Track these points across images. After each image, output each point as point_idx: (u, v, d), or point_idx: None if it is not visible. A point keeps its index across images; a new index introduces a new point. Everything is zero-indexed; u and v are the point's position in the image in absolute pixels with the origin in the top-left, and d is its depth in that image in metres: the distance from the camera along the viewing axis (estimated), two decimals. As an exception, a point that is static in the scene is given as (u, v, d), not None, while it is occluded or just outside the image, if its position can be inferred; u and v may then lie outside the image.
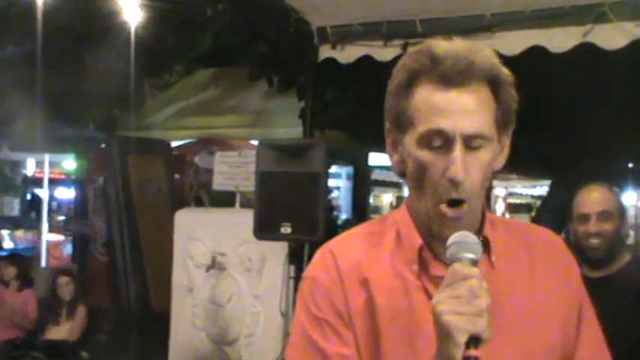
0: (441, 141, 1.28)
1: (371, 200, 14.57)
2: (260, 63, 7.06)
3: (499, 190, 17.26)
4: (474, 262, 1.23)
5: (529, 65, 5.89)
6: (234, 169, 5.42)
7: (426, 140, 1.29)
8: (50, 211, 15.54)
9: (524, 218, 16.71)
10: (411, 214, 1.39)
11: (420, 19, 4.57)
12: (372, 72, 6.37)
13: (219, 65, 9.84)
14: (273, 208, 4.56)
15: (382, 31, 4.73)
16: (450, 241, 1.25)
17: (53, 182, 14.97)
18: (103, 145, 8.78)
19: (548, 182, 12.18)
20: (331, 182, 11.08)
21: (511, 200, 19.38)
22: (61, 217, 15.22)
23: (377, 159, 10.91)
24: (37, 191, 13.27)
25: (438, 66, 1.29)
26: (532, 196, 18.94)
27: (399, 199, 18.01)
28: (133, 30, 6.36)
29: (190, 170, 9.72)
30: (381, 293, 1.34)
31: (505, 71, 1.33)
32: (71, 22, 7.20)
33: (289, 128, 7.44)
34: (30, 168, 14.05)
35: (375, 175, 13.70)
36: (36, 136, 8.70)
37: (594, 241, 2.84)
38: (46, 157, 10.48)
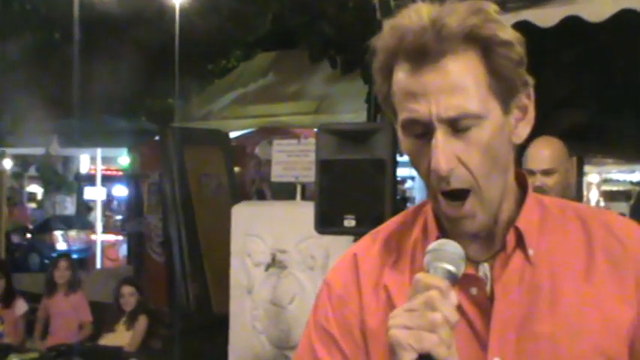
0: (421, 129, 1.17)
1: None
2: (322, 44, 7.01)
3: (593, 177, 16.82)
4: (451, 275, 1.14)
5: (616, 34, 5.71)
6: (294, 159, 5.37)
7: (408, 129, 1.19)
8: (107, 209, 15.88)
9: (621, 207, 16.24)
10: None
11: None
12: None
13: (279, 48, 9.85)
14: (336, 200, 4.48)
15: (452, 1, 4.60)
16: (428, 247, 1.18)
17: (109, 179, 15.28)
18: (157, 138, 8.87)
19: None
20: (404, 171, 10.96)
21: (606, 187, 18.87)
22: (119, 217, 15.51)
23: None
24: (91, 189, 13.53)
25: (404, 42, 1.16)
26: (631, 182, 18.39)
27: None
28: (177, 11, 6.38)
29: (251, 162, 9.77)
30: (400, 301, 1.22)
31: (493, 28, 1.16)
32: (118, 5, 7.28)
33: (356, 114, 7.37)
34: (84, 165, 14.38)
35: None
36: (86, 131, 8.85)
37: None
38: (99, 153, 10.65)
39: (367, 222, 4.42)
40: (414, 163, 1.22)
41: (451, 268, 1.15)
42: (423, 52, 1.15)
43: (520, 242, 1.23)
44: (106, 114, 8.98)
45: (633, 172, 17.35)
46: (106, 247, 11.18)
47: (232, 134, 9.52)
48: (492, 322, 1.21)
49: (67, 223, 12.79)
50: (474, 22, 1.15)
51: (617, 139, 9.58)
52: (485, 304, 1.22)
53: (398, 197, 10.77)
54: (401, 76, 1.18)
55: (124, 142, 9.62)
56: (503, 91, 1.18)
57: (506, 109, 1.20)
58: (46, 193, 14.54)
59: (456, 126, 1.16)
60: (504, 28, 1.17)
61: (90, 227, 12.45)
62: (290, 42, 9.09)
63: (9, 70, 8.63)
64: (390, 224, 1.37)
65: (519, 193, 1.30)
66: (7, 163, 10.03)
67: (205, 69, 10.57)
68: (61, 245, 12.11)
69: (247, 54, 10.34)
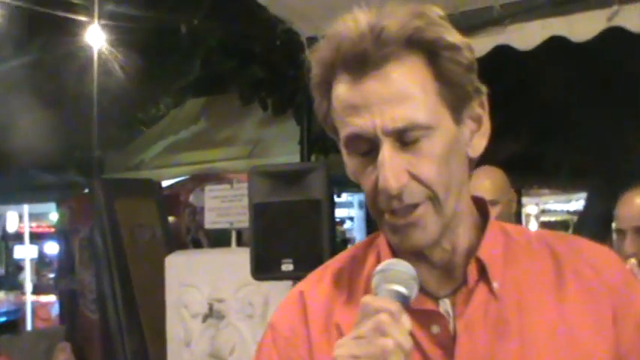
0: (366, 145, 1.10)
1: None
2: (252, 86, 6.94)
3: (530, 208, 17.02)
4: (402, 297, 1.05)
5: (547, 61, 5.76)
6: (228, 204, 5.25)
7: (351, 147, 1.12)
8: (41, 268, 15.44)
9: (561, 237, 16.46)
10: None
11: (423, 17, 4.41)
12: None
13: (210, 93, 9.76)
14: (272, 244, 4.39)
15: (381, 36, 4.57)
16: (376, 269, 1.09)
17: (40, 237, 14.86)
18: (86, 191, 8.65)
19: (585, 194, 11.96)
20: (343, 212, 10.92)
21: (545, 218, 19.12)
22: (52, 275, 15.10)
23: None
24: (21, 248, 13.15)
25: (341, 51, 1.10)
26: (568, 212, 18.66)
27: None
28: (96, 57, 6.24)
29: (186, 211, 9.59)
30: None
31: (438, 31, 1.10)
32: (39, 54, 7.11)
33: (290, 156, 7.30)
34: (12, 222, 13.95)
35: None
36: (10, 186, 8.58)
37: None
38: (25, 209, 10.35)
39: (305, 265, 4.31)
40: (361, 184, 1.14)
41: (402, 289, 1.06)
42: (362, 61, 1.08)
43: (483, 274, 1.15)
44: (32, 168, 8.71)
45: (569, 201, 17.64)
46: (37, 307, 10.82)
47: (165, 183, 9.36)
48: None
49: (-7, 284, 12.42)
50: (416, 25, 1.08)
51: (551, 169, 9.71)
52: (448, 344, 1.13)
53: (337, 239, 10.71)
54: (341, 89, 1.11)
55: (53, 196, 9.37)
56: (454, 98, 1.11)
57: (457, 118, 1.13)
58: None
59: (404, 138, 1.08)
60: (450, 31, 1.11)
61: (19, 287, 12.05)
62: (220, 86, 9.02)
63: None
64: (340, 259, 1.28)
65: (479, 220, 1.22)
66: None
67: (135, 117, 10.39)
68: (-13, 309, 11.72)
69: (177, 101, 10.22)
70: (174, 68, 9.06)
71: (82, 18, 4.56)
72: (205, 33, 6.53)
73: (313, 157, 7.87)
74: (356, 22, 1.10)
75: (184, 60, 8.58)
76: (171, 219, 9.10)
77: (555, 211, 19.60)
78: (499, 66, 5.85)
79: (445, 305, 1.15)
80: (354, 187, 7.93)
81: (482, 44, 4.28)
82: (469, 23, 4.28)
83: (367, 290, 1.17)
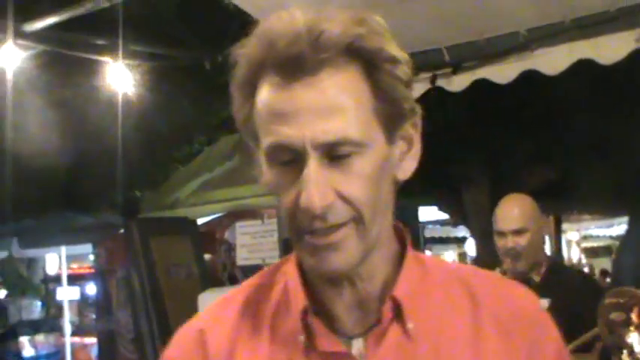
0: (289, 155, 1.00)
1: (430, 260, 14.29)
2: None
3: (572, 235, 16.75)
4: None
5: (577, 85, 5.67)
6: (259, 240, 5.24)
7: (273, 156, 1.02)
8: (83, 309, 15.55)
9: (604, 262, 16.15)
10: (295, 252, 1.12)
11: (447, 46, 4.37)
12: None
13: (242, 130, 9.80)
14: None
15: (406, 66, 4.54)
16: None
17: (81, 278, 14.96)
18: (122, 231, 8.69)
19: (626, 218, 11.74)
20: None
21: (586, 244, 18.81)
22: (93, 316, 15.20)
23: (429, 213, 10.64)
24: (61, 289, 13.26)
25: (273, 50, 0.99)
26: (610, 237, 18.34)
27: (462, 256, 17.60)
28: (120, 97, 6.28)
29: (222, 247, 9.59)
30: None
31: (379, 41, 1.02)
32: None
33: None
34: (51, 264, 14.09)
35: (431, 232, 13.43)
36: (48, 229, 8.66)
37: None
38: (63, 252, 10.44)
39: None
40: (279, 198, 1.04)
41: None
42: (296, 63, 0.98)
43: (398, 313, 1.06)
44: (68, 210, 8.79)
45: (611, 226, 17.32)
46: (77, 348, 10.85)
47: (201, 220, 9.37)
48: None
49: (34, 327, 12.42)
50: (357, 32, 1.00)
51: (589, 194, 9.55)
52: None
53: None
54: (268, 91, 1.01)
55: (90, 237, 9.43)
56: (389, 116, 1.03)
57: (390, 138, 1.05)
58: (11, 298, 14.22)
59: (333, 153, 0.99)
60: (391, 43, 1.04)
61: (59, 329, 12.12)
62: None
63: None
64: (244, 289, 1.18)
65: (397, 250, 1.13)
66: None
67: (170, 156, 10.48)
68: (28, 351, 11.74)
69: (211, 138, 10.28)
70: (208, 106, 9.13)
71: (107, 59, 4.61)
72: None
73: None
74: (293, 20, 1.00)
75: (217, 97, 8.63)
76: (207, 256, 9.10)
77: (597, 236, 19.28)
78: (528, 92, 5.79)
79: (358, 345, 1.07)
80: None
81: (509, 70, 4.23)
82: (495, 49, 4.24)
83: (273, 323, 1.11)
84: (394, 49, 1.04)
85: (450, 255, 18.14)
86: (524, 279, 3.16)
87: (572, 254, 16.56)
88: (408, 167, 1.10)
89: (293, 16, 1.00)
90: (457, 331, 1.08)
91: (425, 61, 4.50)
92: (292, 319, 1.09)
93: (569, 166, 8.40)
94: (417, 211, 10.30)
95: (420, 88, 4.55)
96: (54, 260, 14.14)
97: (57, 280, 13.74)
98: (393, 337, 1.06)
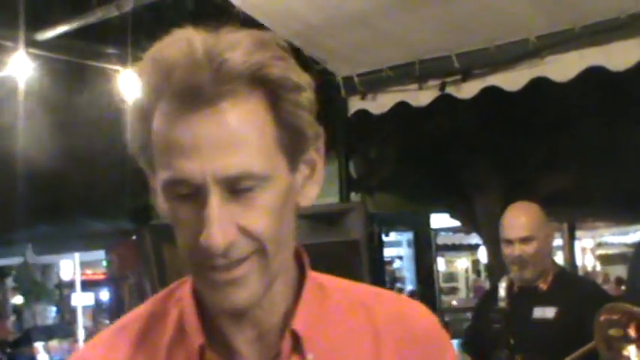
0: (189, 189, 0.94)
1: (443, 267, 14.23)
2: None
3: (586, 242, 16.65)
4: None
5: (590, 93, 5.65)
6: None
7: (170, 189, 0.95)
8: (98, 315, 15.61)
9: (619, 270, 16.04)
10: (193, 283, 1.05)
11: (457, 53, 4.36)
12: (412, 121, 6.23)
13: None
14: (312, 286, 4.33)
15: (415, 73, 4.54)
16: None
17: (96, 284, 15.01)
18: (134, 237, 8.71)
19: (640, 226, 11.67)
20: (392, 251, 10.81)
21: (601, 251, 18.68)
22: (107, 321, 15.25)
23: (441, 221, 10.61)
24: (76, 295, 13.31)
25: (171, 79, 0.93)
26: (625, 245, 18.22)
27: (476, 262, 17.53)
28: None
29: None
30: None
31: (283, 67, 0.95)
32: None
33: (336, 197, 7.26)
34: (66, 270, 14.15)
35: (444, 239, 13.38)
36: (62, 235, 8.69)
37: None
38: (76, 258, 10.46)
39: (346, 307, 4.26)
40: (176, 230, 0.98)
41: None
42: (195, 94, 0.92)
43: (298, 345, 1.03)
44: (82, 217, 8.82)
45: (627, 234, 17.20)
46: (90, 355, 10.86)
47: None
48: None
49: (48, 333, 12.45)
50: (260, 60, 0.94)
51: (604, 202, 9.51)
52: None
53: (387, 278, 10.60)
54: (165, 121, 0.95)
55: (103, 244, 9.45)
56: (293, 145, 0.98)
57: (293, 166, 1.00)
58: (26, 304, 14.30)
59: (235, 187, 0.94)
60: (294, 68, 0.97)
61: (73, 335, 12.15)
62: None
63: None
64: (137, 316, 1.11)
65: (297, 276, 1.08)
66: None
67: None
68: (42, 357, 11.75)
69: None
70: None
71: (118, 67, 4.63)
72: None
73: (358, 197, 7.84)
74: (191, 47, 0.93)
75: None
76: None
77: (612, 244, 19.15)
78: (539, 99, 5.76)
79: None
80: (402, 225, 7.84)
81: (519, 77, 4.22)
82: (505, 56, 4.22)
83: (169, 357, 1.05)
84: (298, 75, 0.98)
85: (462, 262, 18.05)
86: (531, 287, 3.14)
87: (587, 261, 16.46)
88: (310, 193, 1.05)
89: (191, 42, 0.94)
90: (358, 357, 1.06)
91: (434, 68, 4.50)
92: (189, 354, 1.04)
93: (583, 174, 8.37)
94: (429, 217, 10.29)
95: (429, 95, 4.55)
96: (68, 266, 14.18)
97: (71, 285, 13.79)
98: None
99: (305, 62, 4.88)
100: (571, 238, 13.26)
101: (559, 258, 14.75)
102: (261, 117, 0.95)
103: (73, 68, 5.84)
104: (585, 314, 2.99)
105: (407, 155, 7.21)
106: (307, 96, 0.98)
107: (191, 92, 0.92)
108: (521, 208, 3.26)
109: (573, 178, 8.31)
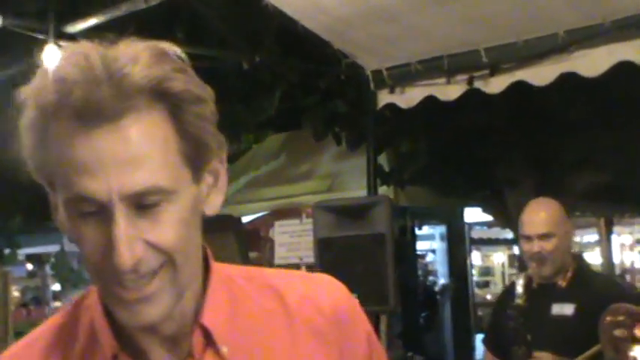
0: (93, 207, 0.93)
1: (479, 261, 14.17)
2: (324, 120, 6.95)
3: (625, 238, 16.42)
4: None
5: (626, 87, 5.59)
6: (297, 239, 5.28)
7: (73, 207, 0.94)
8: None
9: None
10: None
11: (485, 47, 4.36)
12: (443, 115, 6.22)
13: (289, 128, 9.86)
14: (337, 278, 4.35)
15: (444, 67, 4.55)
16: None
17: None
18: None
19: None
20: (425, 245, 10.80)
21: (640, 248, 18.40)
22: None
23: (476, 215, 10.57)
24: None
25: (70, 98, 0.91)
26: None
27: (512, 257, 17.42)
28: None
29: (267, 245, 9.64)
30: None
31: (184, 80, 0.96)
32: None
33: (364, 190, 7.30)
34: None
35: (480, 233, 13.32)
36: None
37: None
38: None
39: (371, 299, 4.26)
40: (80, 247, 0.97)
41: None
42: (96, 112, 0.91)
43: (210, 340, 1.04)
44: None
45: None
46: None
47: (246, 218, 9.44)
48: None
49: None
50: (161, 74, 0.94)
51: (640, 196, 9.38)
52: None
53: (420, 271, 10.60)
54: (65, 139, 0.93)
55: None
56: (197, 156, 0.99)
57: (198, 177, 1.00)
58: (63, 291, 14.48)
59: (141, 202, 0.94)
60: (194, 80, 0.98)
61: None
62: (298, 121, 9.11)
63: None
64: (47, 328, 1.11)
65: (203, 272, 1.09)
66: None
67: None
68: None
69: (258, 136, 10.33)
70: (256, 104, 9.19)
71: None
72: (276, 69, 6.58)
73: (390, 190, 7.84)
74: (89, 63, 0.91)
75: (264, 96, 8.68)
76: (253, 254, 9.16)
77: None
78: (572, 93, 5.72)
79: None
80: (435, 219, 7.81)
81: (548, 72, 4.20)
82: (533, 51, 4.21)
83: None
84: (199, 87, 0.99)
85: (499, 257, 17.94)
86: (550, 284, 3.14)
87: (625, 258, 16.26)
88: (215, 201, 1.06)
89: (88, 57, 0.92)
90: (274, 343, 1.08)
91: (462, 63, 4.50)
92: None
93: (621, 169, 8.27)
94: (462, 211, 10.25)
95: (457, 89, 4.56)
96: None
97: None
98: None
99: (334, 56, 4.91)
100: (608, 234, 13.09)
101: (596, 254, 14.61)
102: (164, 131, 0.95)
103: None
104: (601, 312, 2.99)
105: (439, 149, 7.20)
106: (209, 108, 0.99)
107: (91, 109, 0.91)
108: (541, 205, 3.26)
109: (610, 174, 8.21)
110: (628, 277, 14.55)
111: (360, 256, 4.33)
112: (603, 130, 7.11)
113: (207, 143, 0.99)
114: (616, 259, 14.84)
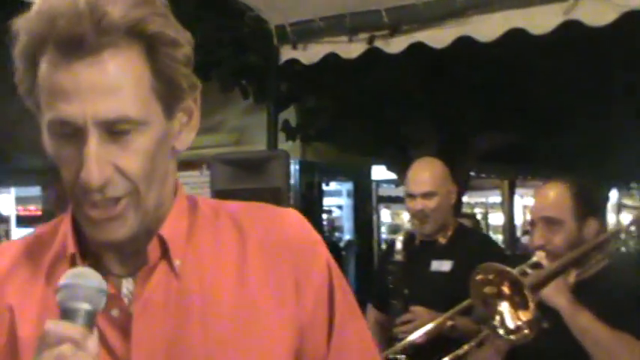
0: (70, 129, 1.05)
1: (389, 219, 14.38)
2: (233, 73, 6.92)
3: (528, 200, 16.92)
4: (89, 315, 1.01)
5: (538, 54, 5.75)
6: (197, 191, 5.28)
7: (54, 130, 1.07)
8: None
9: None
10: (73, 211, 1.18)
11: (386, 8, 4.42)
12: (350, 73, 6.29)
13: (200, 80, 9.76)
14: (233, 231, 4.43)
15: (346, 25, 4.59)
16: (61, 281, 1.04)
17: (31, 220, 14.89)
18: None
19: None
20: (331, 200, 10.92)
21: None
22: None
23: (384, 173, 10.72)
24: (17, 230, 13.22)
25: (55, 28, 1.03)
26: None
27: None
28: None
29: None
30: (26, 323, 1.14)
31: (160, 23, 1.07)
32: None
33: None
34: (6, 205, 13.97)
35: (388, 191, 13.50)
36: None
37: None
38: (12, 192, 10.40)
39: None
40: (60, 168, 1.10)
41: (89, 307, 1.01)
42: (78, 44, 1.03)
43: (166, 253, 1.13)
44: (16, 152, 8.76)
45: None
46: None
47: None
48: (132, 345, 1.10)
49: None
50: (139, 15, 1.05)
51: (545, 161, 9.69)
52: (127, 326, 1.11)
53: (326, 227, 10.73)
54: (49, 67, 1.05)
55: (39, 180, 9.42)
56: (168, 94, 1.10)
57: (169, 114, 1.11)
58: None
59: (113, 129, 1.05)
60: (172, 24, 1.09)
61: None
62: (206, 74, 9.01)
63: None
64: (25, 239, 1.25)
65: (174, 200, 1.20)
66: None
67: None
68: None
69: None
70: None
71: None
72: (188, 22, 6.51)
73: (298, 145, 7.90)
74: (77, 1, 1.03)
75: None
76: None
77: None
78: (479, 58, 5.86)
79: (128, 285, 1.15)
80: (342, 175, 7.89)
81: (445, 35, 4.29)
82: (431, 14, 4.29)
83: (51, 271, 1.16)
84: (175, 31, 1.09)
85: (407, 215, 18.24)
86: (432, 241, 3.27)
87: (527, 219, 16.77)
88: (186, 138, 1.17)
89: None
90: (225, 264, 1.16)
91: (364, 22, 4.55)
92: (65, 265, 1.14)
93: (524, 132, 8.51)
94: (370, 169, 10.39)
95: (358, 48, 4.61)
96: (9, 200, 14.05)
97: (6, 221, 13.68)
98: (159, 276, 1.13)
99: (239, 9, 4.91)
100: (511, 196, 13.50)
101: (499, 215, 15.01)
102: (139, 68, 1.06)
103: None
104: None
105: (346, 107, 7.28)
106: (184, 51, 1.09)
107: (74, 41, 1.02)
108: (425, 164, 3.38)
109: (512, 136, 8.45)
110: (527, 239, 14.98)
111: (256, 209, 4.40)
112: (507, 94, 7.31)
113: (179, 83, 1.10)
114: (518, 221, 15.30)
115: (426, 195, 3.23)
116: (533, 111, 7.84)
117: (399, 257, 3.12)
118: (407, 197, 3.31)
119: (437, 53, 4.57)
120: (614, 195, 17.38)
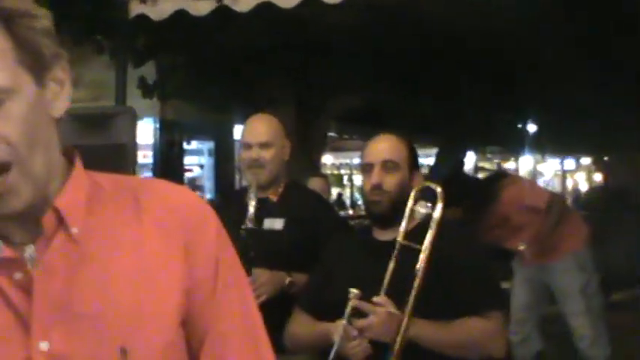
0: None
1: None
2: (84, 28, 6.72)
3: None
4: None
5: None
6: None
7: None
8: None
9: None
10: None
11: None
12: (207, 31, 6.25)
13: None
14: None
15: (194, -19, 4.57)
16: None
17: None
18: None
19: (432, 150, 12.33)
20: (192, 159, 10.83)
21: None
22: None
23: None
24: None
25: None
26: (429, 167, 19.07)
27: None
28: None
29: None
30: None
31: (17, 0, 1.18)
32: None
33: (137, 99, 7.19)
34: None
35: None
36: None
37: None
38: None
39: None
40: None
41: None
42: None
43: (63, 222, 1.22)
44: None
45: (429, 157, 18.00)
46: None
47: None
48: (33, 305, 1.19)
49: None
50: None
51: (397, 124, 9.93)
52: (29, 287, 1.20)
53: (187, 185, 10.64)
54: None
55: None
56: (34, 64, 1.19)
57: (39, 82, 1.20)
58: None
59: None
60: (29, 2, 1.19)
61: None
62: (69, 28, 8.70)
63: None
64: None
65: (70, 171, 1.28)
66: None
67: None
68: None
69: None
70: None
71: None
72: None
73: (157, 103, 7.78)
74: None
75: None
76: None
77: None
78: (333, 23, 5.93)
79: (30, 251, 1.22)
80: (204, 134, 7.81)
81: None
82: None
83: None
84: (30, 6, 1.19)
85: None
86: (264, 198, 3.25)
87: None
88: (61, 105, 1.24)
89: None
90: (123, 234, 1.26)
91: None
92: None
93: (382, 95, 8.72)
94: (232, 128, 10.34)
95: (206, 6, 4.61)
96: None
97: None
98: (58, 242, 1.21)
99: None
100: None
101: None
102: (1, 41, 1.15)
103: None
104: (311, 223, 3.20)
105: (204, 65, 7.23)
106: (42, 22, 1.19)
107: None
108: (263, 118, 3.44)
109: (370, 98, 8.64)
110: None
111: (100, 165, 4.33)
112: (362, 55, 7.45)
113: (40, 52, 1.19)
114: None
115: (263, 145, 3.26)
116: (389, 74, 8.03)
117: (249, 225, 3.09)
118: (244, 147, 3.34)
119: (291, 14, 4.61)
120: (471, 158, 18.05)
